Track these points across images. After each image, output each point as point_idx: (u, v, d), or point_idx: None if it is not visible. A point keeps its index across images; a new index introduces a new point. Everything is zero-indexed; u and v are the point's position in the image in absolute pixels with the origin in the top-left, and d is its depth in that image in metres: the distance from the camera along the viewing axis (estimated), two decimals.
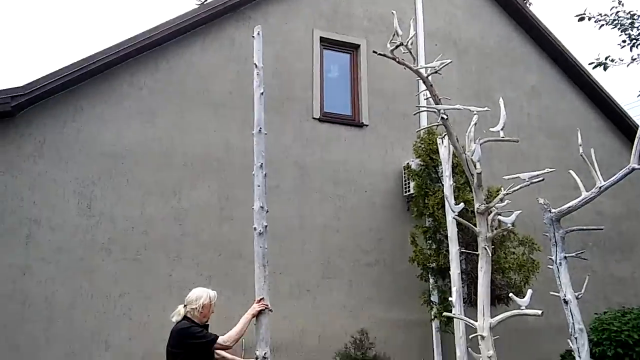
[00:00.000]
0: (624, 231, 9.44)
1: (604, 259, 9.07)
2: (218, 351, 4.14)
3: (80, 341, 5.98)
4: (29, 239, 6.04)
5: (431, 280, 7.16)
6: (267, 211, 4.41)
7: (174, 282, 6.42)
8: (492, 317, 3.85)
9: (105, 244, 6.34)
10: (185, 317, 4.14)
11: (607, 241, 9.15)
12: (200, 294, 4.18)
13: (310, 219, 7.37)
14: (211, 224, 6.86)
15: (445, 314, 3.92)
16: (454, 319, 5.59)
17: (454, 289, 5.44)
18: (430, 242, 7.05)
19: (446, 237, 6.28)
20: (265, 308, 4.20)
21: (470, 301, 6.66)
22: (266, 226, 4.37)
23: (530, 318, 8.58)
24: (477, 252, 3.90)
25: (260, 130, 4.50)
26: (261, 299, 4.23)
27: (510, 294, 3.67)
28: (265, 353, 4.08)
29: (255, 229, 4.34)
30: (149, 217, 6.58)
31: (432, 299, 7.09)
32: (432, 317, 7.06)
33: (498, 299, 6.36)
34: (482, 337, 3.80)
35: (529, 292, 3.85)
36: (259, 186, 4.39)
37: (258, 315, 4.20)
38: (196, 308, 4.12)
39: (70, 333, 5.96)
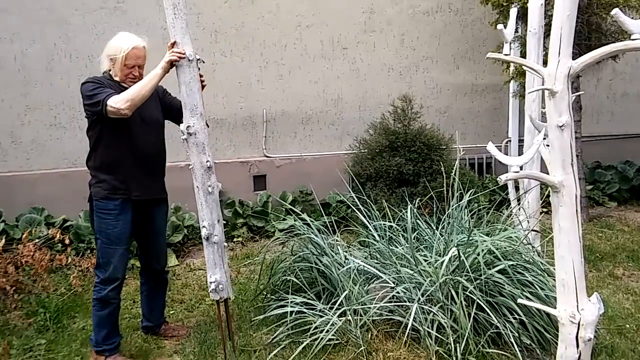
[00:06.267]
0: None
1: None
2: None
3: (66, 111, 5.06)
4: None
5: None
6: None
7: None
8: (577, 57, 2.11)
9: None
10: (106, 72, 2.90)
11: None
12: (120, 44, 2.79)
13: None
14: None
15: (490, 53, 2.21)
16: (527, 77, 3.80)
17: (530, 32, 3.55)
18: None
19: None
20: (180, 57, 2.61)
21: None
22: None
23: (638, 80, 6.32)
24: None
25: None
26: (174, 43, 2.64)
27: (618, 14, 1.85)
28: (188, 125, 2.62)
29: None
30: None
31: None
32: (510, 77, 5.32)
33: (592, 47, 3.81)
34: (552, 94, 2.14)
35: None
36: None
37: (177, 69, 2.64)
38: (114, 60, 2.81)
39: (52, 100, 5.01)
